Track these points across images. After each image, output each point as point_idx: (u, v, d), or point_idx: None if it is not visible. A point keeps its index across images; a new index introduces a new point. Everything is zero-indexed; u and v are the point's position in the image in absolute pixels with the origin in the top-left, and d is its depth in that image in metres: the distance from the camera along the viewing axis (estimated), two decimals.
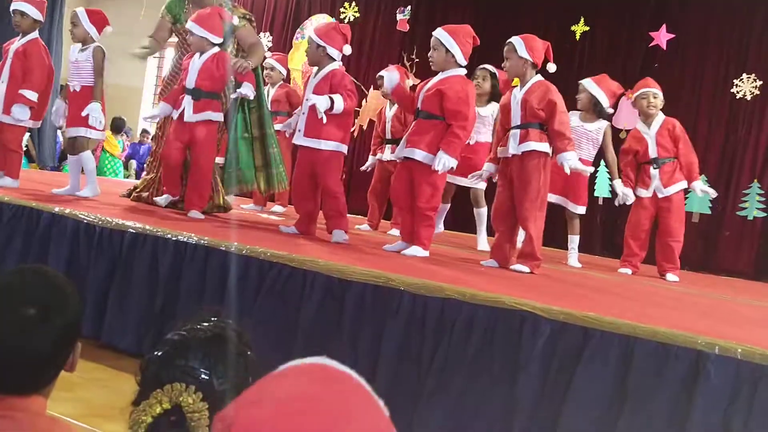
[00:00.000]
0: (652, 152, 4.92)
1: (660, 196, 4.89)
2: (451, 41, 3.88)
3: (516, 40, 3.88)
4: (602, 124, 5.06)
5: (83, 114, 4.53)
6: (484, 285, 2.96)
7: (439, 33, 3.93)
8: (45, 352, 1.26)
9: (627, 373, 2.35)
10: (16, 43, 4.76)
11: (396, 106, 5.56)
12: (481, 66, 5.27)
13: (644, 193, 4.95)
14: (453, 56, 3.88)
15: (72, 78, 4.64)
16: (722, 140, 6.88)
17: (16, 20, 4.75)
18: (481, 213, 5.39)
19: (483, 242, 5.32)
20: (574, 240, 5.28)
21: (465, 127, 3.84)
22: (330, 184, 4.07)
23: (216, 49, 4.36)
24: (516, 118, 3.87)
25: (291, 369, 0.74)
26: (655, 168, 4.89)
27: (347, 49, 4.18)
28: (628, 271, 4.98)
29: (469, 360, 2.57)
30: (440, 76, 3.92)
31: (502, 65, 3.98)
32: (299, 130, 4.11)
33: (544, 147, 3.79)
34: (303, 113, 4.13)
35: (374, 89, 7.34)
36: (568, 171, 3.84)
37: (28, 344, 1.24)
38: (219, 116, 4.44)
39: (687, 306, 3.58)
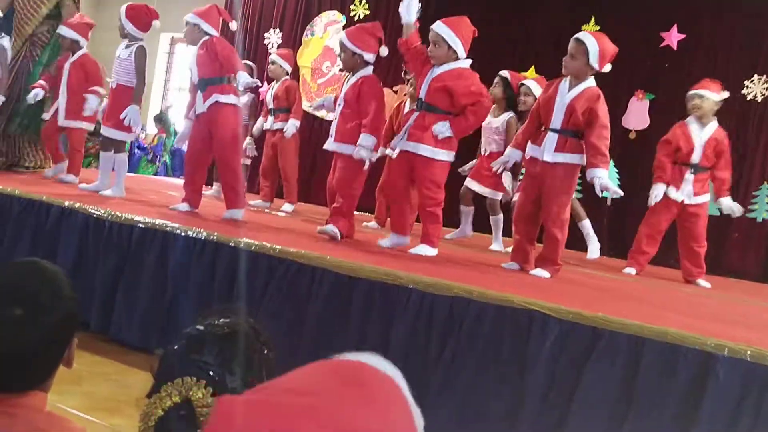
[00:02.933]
0: (696, 158, 4.79)
1: (688, 202, 4.80)
2: (452, 36, 3.76)
3: (591, 44, 3.53)
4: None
5: (121, 116, 4.46)
6: (493, 284, 2.96)
7: (440, 28, 3.78)
8: (38, 348, 1.24)
9: (635, 373, 2.35)
10: (70, 59, 5.06)
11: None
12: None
13: (674, 195, 4.79)
14: (455, 51, 3.78)
15: (114, 74, 4.65)
16: (732, 141, 6.81)
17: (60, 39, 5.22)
18: (497, 220, 5.29)
19: (497, 245, 5.21)
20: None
21: (476, 112, 3.76)
22: (345, 188, 4.10)
23: (206, 37, 4.18)
24: (557, 120, 3.61)
25: (320, 362, 0.63)
26: (692, 173, 4.79)
27: (384, 51, 4.09)
28: (633, 270, 4.93)
29: (476, 358, 2.57)
30: (445, 68, 3.78)
31: (564, 60, 3.63)
32: (330, 135, 4.11)
33: (579, 159, 3.61)
34: (335, 118, 4.08)
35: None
36: (599, 191, 3.57)
37: (20, 342, 1.22)
38: (231, 99, 4.15)
39: (696, 307, 3.57)
